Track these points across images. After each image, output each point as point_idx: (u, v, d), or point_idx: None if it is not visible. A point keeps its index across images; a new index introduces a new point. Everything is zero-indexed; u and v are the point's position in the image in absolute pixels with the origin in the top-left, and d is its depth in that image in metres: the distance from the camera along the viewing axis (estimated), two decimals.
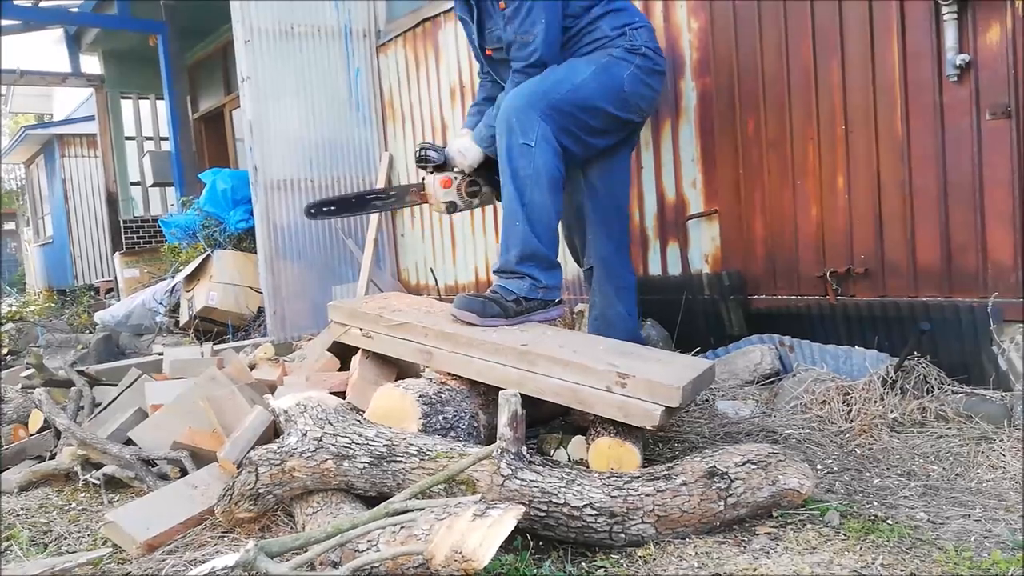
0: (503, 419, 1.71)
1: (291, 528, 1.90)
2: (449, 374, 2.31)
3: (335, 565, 1.56)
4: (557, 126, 2.42)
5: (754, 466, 1.74)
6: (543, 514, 1.65)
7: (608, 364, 2.03)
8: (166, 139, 9.29)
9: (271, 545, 1.46)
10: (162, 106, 9.32)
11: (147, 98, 10.31)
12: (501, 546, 1.37)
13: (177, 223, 6.30)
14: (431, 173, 2.72)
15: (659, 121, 3.31)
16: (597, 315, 2.76)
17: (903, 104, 2.56)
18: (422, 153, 2.69)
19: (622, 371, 1.98)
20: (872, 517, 1.75)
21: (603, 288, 2.75)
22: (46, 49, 10.98)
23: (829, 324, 2.83)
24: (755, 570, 1.53)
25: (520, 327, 2.38)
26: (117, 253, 8.73)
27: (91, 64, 10.30)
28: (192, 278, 5.59)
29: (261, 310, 5.17)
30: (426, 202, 2.79)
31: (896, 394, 2.43)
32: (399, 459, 1.78)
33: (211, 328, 5.33)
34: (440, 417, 2.04)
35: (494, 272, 2.50)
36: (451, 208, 2.74)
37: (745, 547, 1.64)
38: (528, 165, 2.40)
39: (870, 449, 2.23)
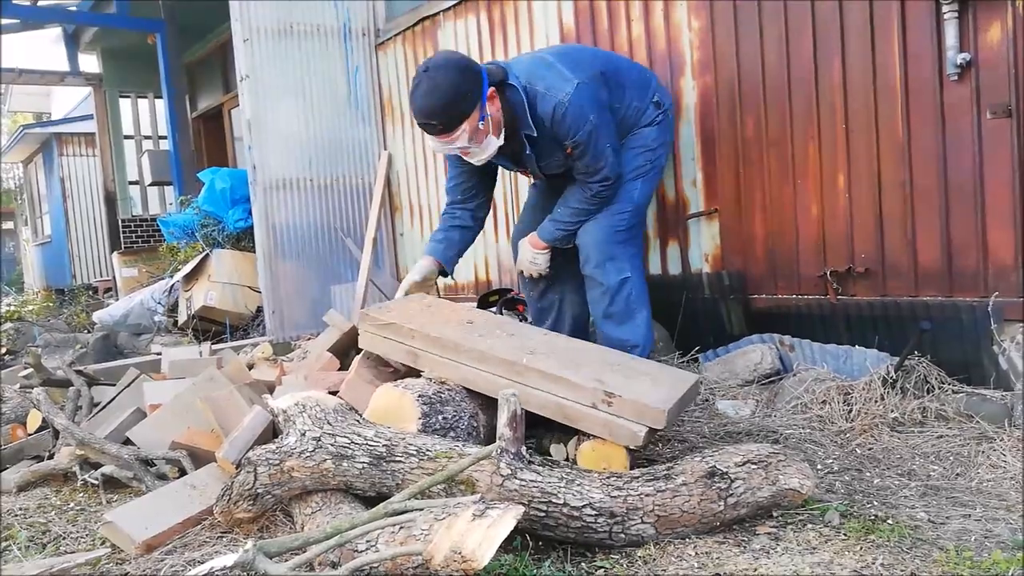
0: (503, 419, 1.70)
1: (290, 528, 1.89)
2: None
3: (334, 565, 1.55)
4: (634, 242, 2.80)
5: (754, 466, 1.74)
6: (543, 514, 1.64)
7: (596, 381, 2.02)
8: (164, 138, 9.27)
9: (270, 545, 1.46)
10: (161, 105, 9.31)
11: (145, 97, 10.29)
12: (501, 546, 1.37)
13: (175, 222, 6.28)
14: None
15: None
16: None
17: (904, 103, 2.55)
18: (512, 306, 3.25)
19: (608, 390, 1.98)
20: (872, 517, 1.75)
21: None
22: (44, 48, 10.96)
23: (829, 323, 2.83)
24: (755, 570, 1.53)
25: (510, 332, 2.38)
26: (115, 252, 8.72)
27: (89, 63, 10.27)
28: (190, 277, 5.58)
29: (260, 310, 5.17)
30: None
31: (896, 394, 2.43)
32: (398, 459, 1.78)
33: (209, 328, 5.32)
34: (439, 417, 2.04)
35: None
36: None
37: (745, 547, 1.64)
38: (634, 291, 2.72)
39: (870, 449, 2.23)
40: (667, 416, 1.94)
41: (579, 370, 2.10)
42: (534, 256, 2.83)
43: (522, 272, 2.93)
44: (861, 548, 1.58)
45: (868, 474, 2.06)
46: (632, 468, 1.94)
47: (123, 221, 10.15)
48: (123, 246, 9.76)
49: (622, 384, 2.03)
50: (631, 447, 1.95)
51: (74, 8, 9.38)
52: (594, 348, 2.42)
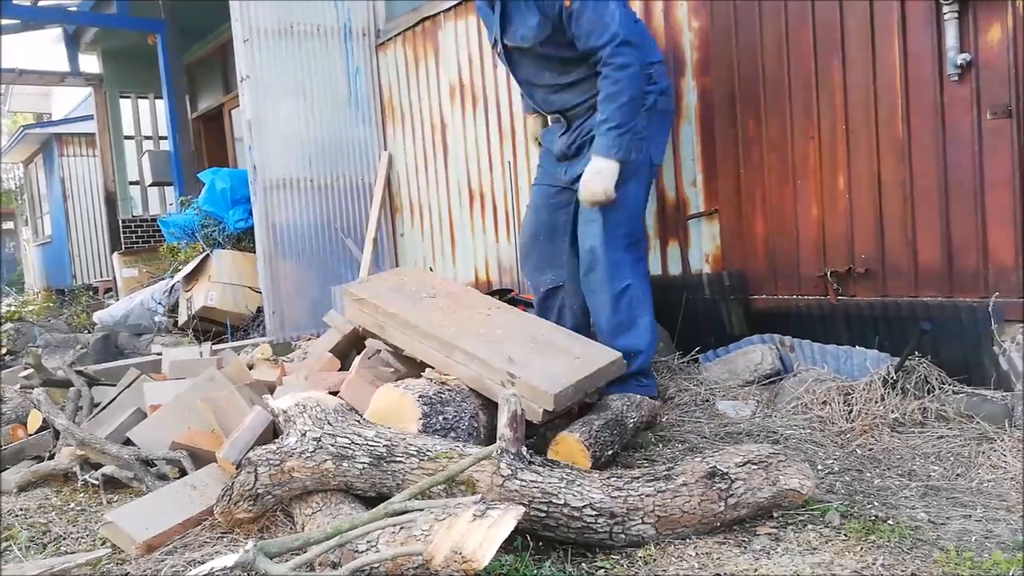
0: (503, 419, 1.70)
1: (290, 528, 1.89)
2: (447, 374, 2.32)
3: (334, 566, 1.55)
4: (635, 246, 2.76)
5: (755, 466, 1.74)
6: (543, 515, 1.64)
7: (506, 360, 2.16)
8: (165, 138, 9.27)
9: (270, 546, 1.46)
10: (161, 105, 9.31)
11: (146, 97, 10.29)
12: (501, 547, 1.37)
13: (176, 223, 6.28)
14: None
15: None
16: None
17: (904, 103, 2.55)
18: None
19: (511, 371, 2.12)
20: (873, 517, 1.75)
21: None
22: (45, 48, 10.96)
23: (830, 324, 2.83)
24: (756, 571, 1.53)
25: (461, 305, 2.54)
26: (116, 253, 8.72)
27: (90, 63, 10.27)
28: (191, 278, 5.58)
29: (260, 310, 5.17)
30: None
31: (897, 394, 2.43)
32: (399, 459, 1.78)
33: (210, 328, 5.32)
34: (440, 417, 2.04)
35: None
36: None
37: (746, 547, 1.64)
38: (638, 295, 2.71)
39: (871, 449, 2.23)
40: (555, 400, 2.06)
41: (501, 346, 2.24)
42: (603, 183, 2.53)
43: (535, 272, 2.94)
44: (861, 548, 1.58)
45: (868, 475, 2.06)
46: (593, 468, 1.99)
47: (123, 221, 10.15)
48: (123, 246, 9.76)
49: (528, 363, 2.17)
50: (534, 422, 2.08)
51: (74, 8, 9.37)
52: (533, 323, 2.53)
